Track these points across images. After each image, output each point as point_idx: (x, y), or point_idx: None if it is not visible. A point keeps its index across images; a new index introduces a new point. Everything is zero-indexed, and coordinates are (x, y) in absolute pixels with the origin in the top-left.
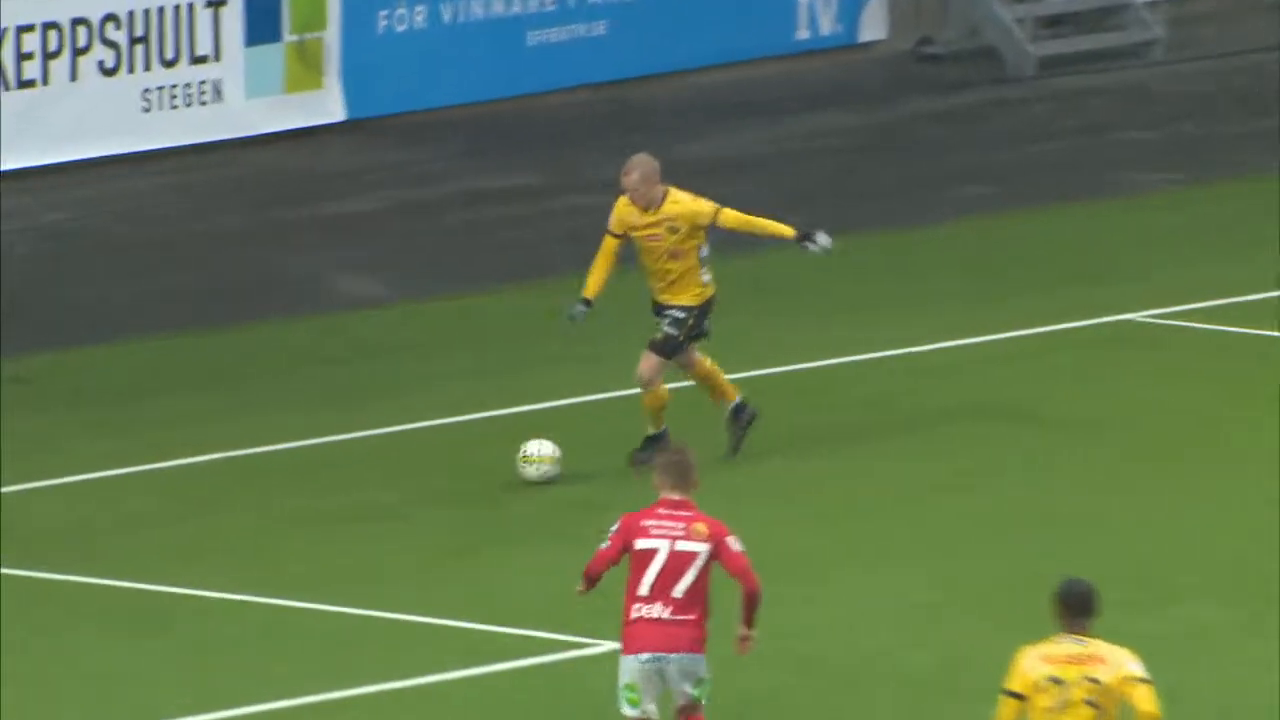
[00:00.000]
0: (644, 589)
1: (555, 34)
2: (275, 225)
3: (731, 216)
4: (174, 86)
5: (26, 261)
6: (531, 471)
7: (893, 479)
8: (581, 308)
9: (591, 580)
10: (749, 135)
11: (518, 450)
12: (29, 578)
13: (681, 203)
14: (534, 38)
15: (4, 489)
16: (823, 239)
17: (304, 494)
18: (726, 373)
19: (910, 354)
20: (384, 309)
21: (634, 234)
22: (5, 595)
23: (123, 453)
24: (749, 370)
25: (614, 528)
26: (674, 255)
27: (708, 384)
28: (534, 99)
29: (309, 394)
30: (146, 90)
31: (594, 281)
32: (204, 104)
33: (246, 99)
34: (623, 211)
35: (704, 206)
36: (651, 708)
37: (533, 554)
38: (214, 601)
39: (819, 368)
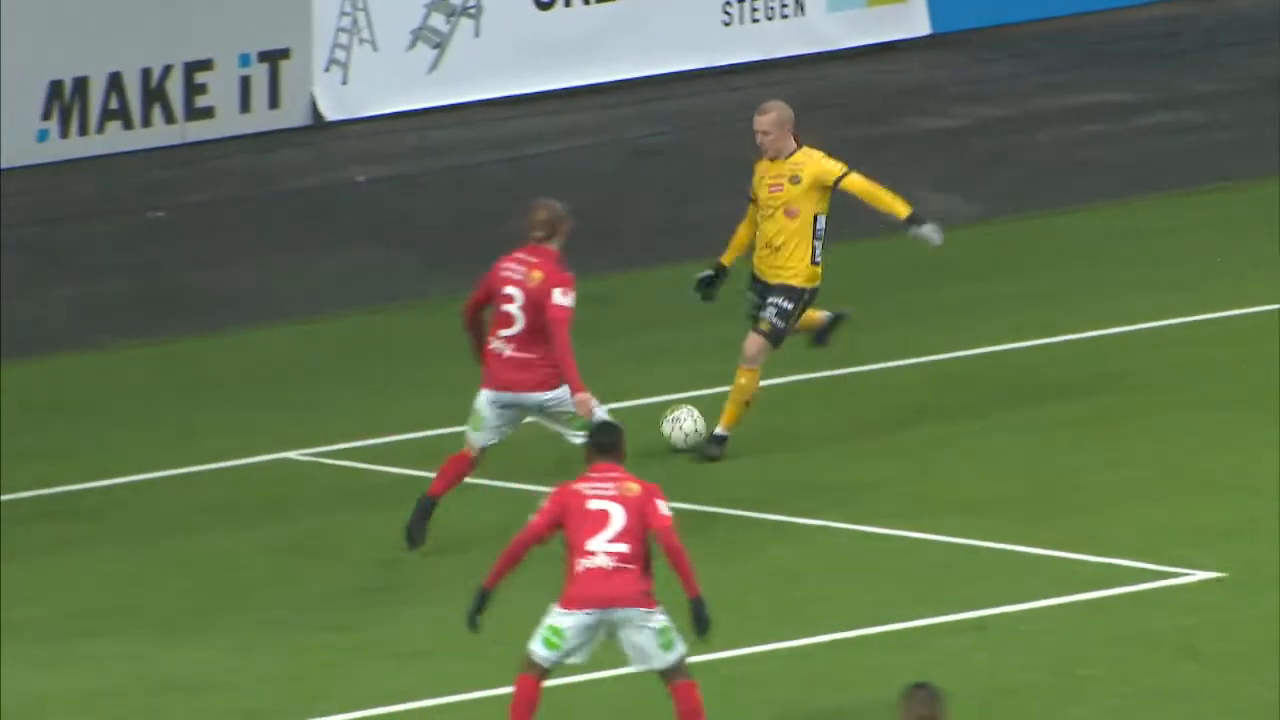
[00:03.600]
0: None
1: None
2: (854, 142)
3: (858, 182)
4: (756, 1)
5: (614, 177)
6: (678, 436)
7: None
8: (706, 273)
9: None
10: None
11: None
12: None
13: (811, 157)
14: None
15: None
16: (931, 231)
17: (878, 419)
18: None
19: None
20: (965, 227)
21: (759, 191)
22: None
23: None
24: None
25: None
26: (790, 212)
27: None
28: (1119, 13)
29: (888, 316)
30: (728, 4)
31: (732, 250)
32: (785, 18)
33: (828, 13)
34: (756, 170)
35: (832, 165)
36: None
37: (1124, 483)
38: (800, 528)
39: None
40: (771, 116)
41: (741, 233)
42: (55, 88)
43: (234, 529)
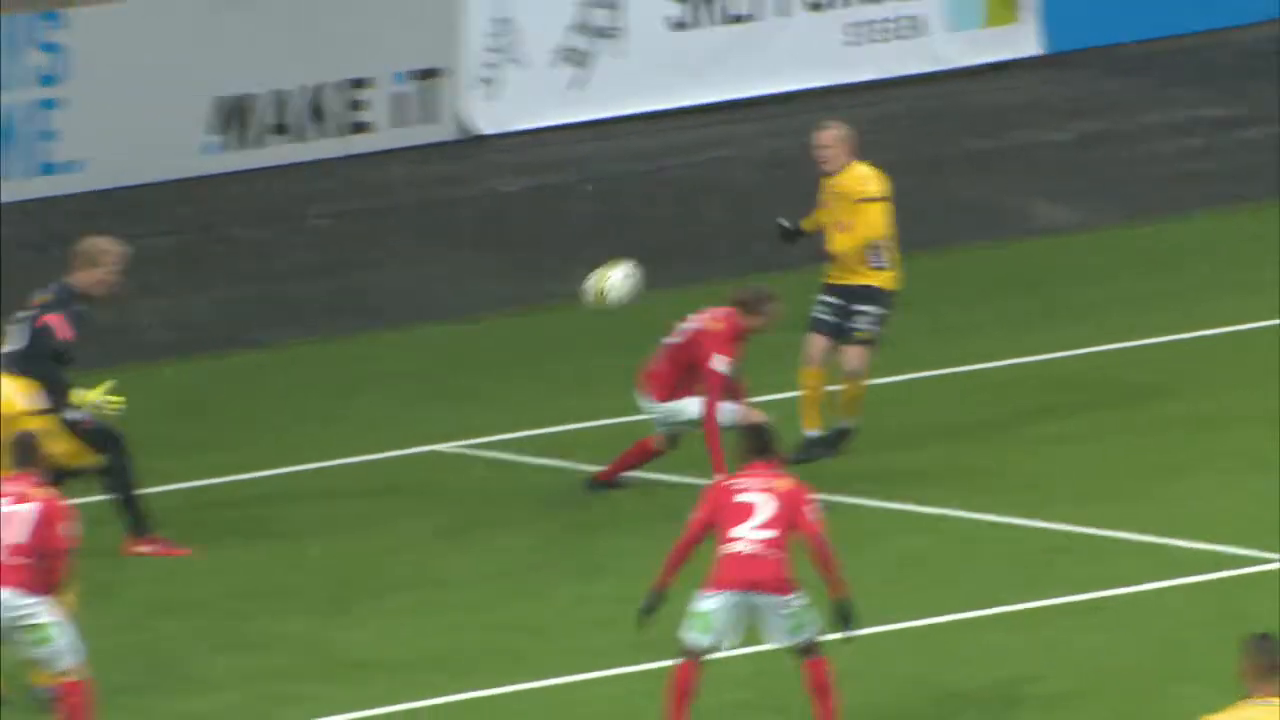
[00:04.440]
0: None
1: None
2: (969, 155)
3: (875, 211)
4: (876, 21)
5: (745, 187)
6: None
7: None
8: (785, 223)
9: None
10: None
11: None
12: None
13: (855, 174)
14: None
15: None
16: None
17: (990, 415)
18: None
19: None
20: (1073, 235)
21: (822, 202)
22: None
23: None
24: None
25: None
26: (841, 227)
27: (817, 402)
28: (1222, 33)
29: (1000, 320)
30: (850, 24)
31: (809, 220)
32: (904, 38)
33: (947, 33)
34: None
35: (867, 187)
36: None
37: (1226, 475)
38: (919, 516)
39: None
40: (830, 134)
41: (815, 217)
42: (222, 104)
43: (388, 517)
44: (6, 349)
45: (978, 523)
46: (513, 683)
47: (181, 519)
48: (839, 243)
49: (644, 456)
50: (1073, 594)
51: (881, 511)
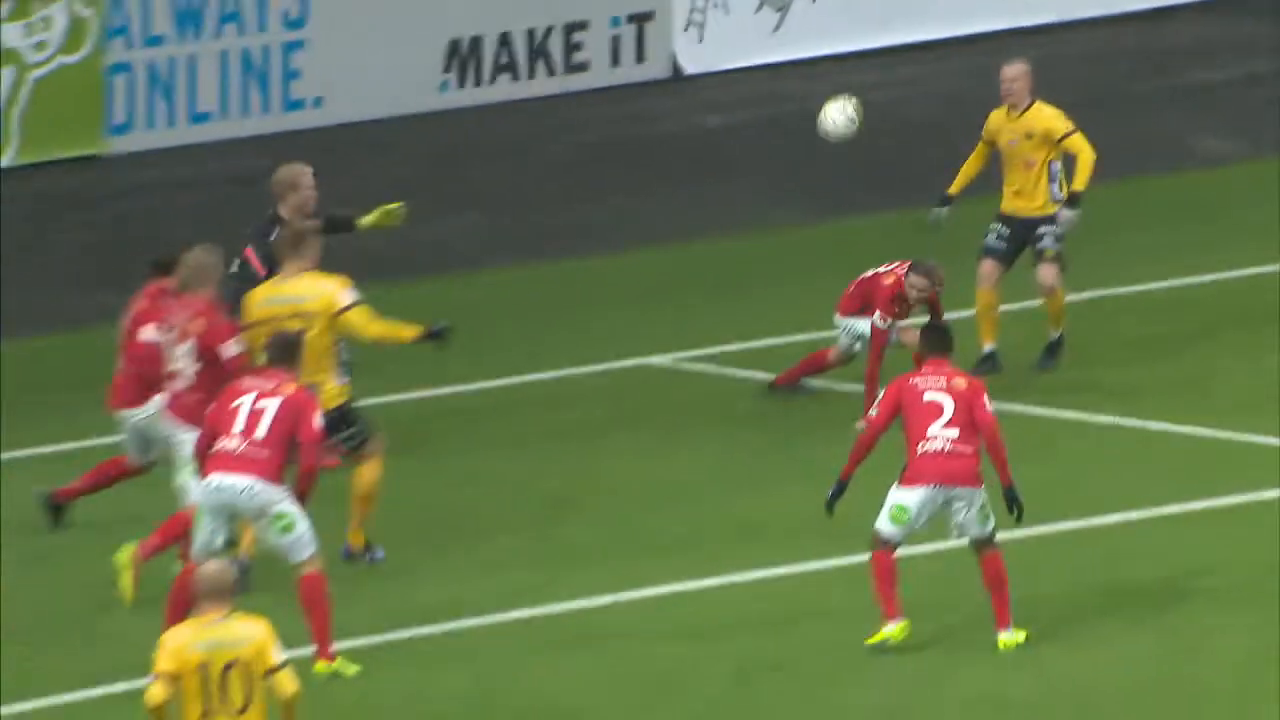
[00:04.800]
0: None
1: None
2: (1140, 95)
3: (1078, 142)
4: None
5: (930, 123)
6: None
7: None
8: (939, 209)
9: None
10: None
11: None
12: None
13: (1043, 114)
14: None
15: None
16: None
17: (1153, 333)
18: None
19: None
20: (1238, 164)
21: (998, 140)
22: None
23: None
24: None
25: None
26: (1028, 164)
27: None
28: None
29: (1170, 245)
30: None
31: (958, 180)
32: None
33: None
34: (992, 118)
35: (1061, 124)
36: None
37: None
38: (1088, 424)
39: None
40: (1018, 68)
41: (969, 167)
42: (454, 46)
43: (610, 426)
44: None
45: (1144, 430)
46: (729, 573)
47: (420, 427)
48: (1019, 176)
49: (818, 366)
50: (1235, 495)
51: (1051, 420)
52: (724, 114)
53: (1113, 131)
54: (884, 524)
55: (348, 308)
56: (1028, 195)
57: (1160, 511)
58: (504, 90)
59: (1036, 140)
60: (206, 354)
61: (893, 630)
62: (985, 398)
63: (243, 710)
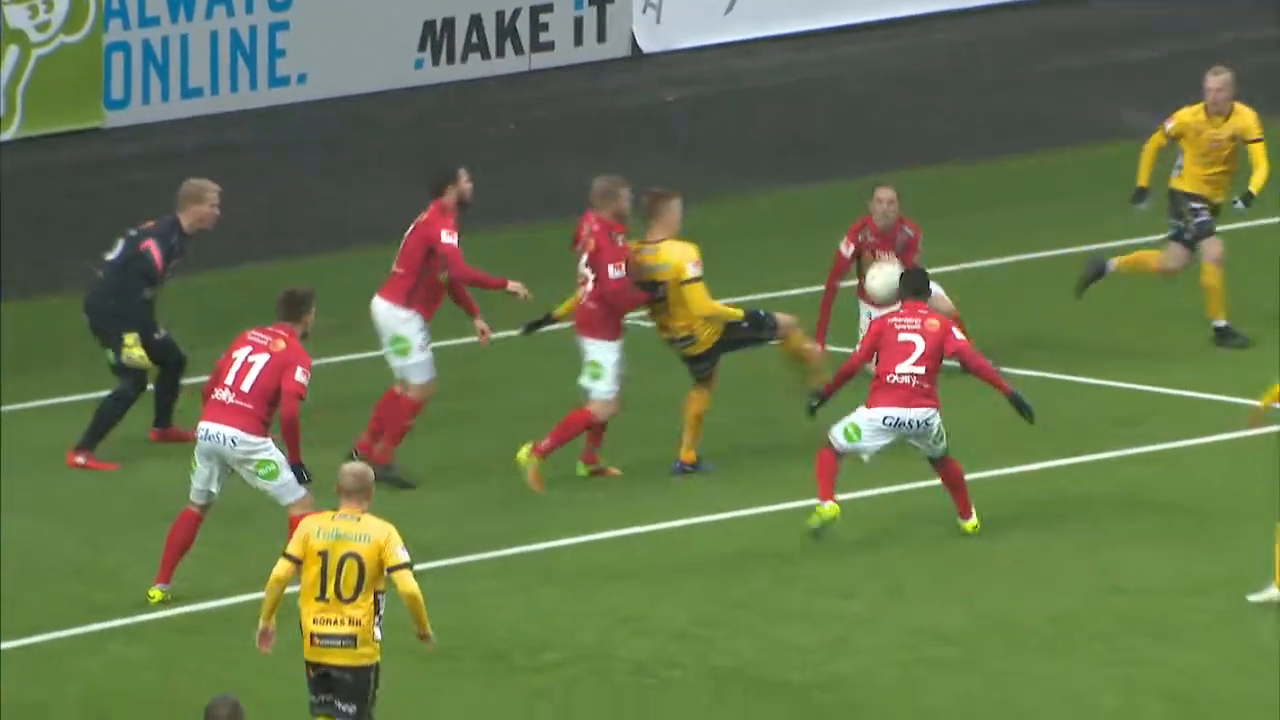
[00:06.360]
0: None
1: None
2: (1069, 71)
3: (1259, 152)
4: None
5: (873, 99)
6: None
7: None
8: (1140, 203)
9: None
10: None
11: None
12: None
13: (1244, 116)
14: None
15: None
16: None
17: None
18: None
19: None
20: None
21: (1195, 136)
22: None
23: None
24: None
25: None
26: (1226, 160)
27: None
28: None
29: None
30: None
31: (1143, 173)
32: None
33: None
34: (1185, 117)
35: (1257, 129)
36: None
37: None
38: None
39: None
40: (1225, 77)
41: (1149, 159)
42: (429, 26)
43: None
44: (108, 255)
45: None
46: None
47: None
48: (1217, 170)
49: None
50: (1163, 443)
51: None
52: (678, 89)
53: (1037, 107)
54: (837, 435)
55: (688, 281)
56: (1225, 188)
57: (1093, 458)
58: (473, 68)
59: (1237, 143)
60: (596, 270)
61: (825, 509)
62: (955, 330)
63: (350, 600)
